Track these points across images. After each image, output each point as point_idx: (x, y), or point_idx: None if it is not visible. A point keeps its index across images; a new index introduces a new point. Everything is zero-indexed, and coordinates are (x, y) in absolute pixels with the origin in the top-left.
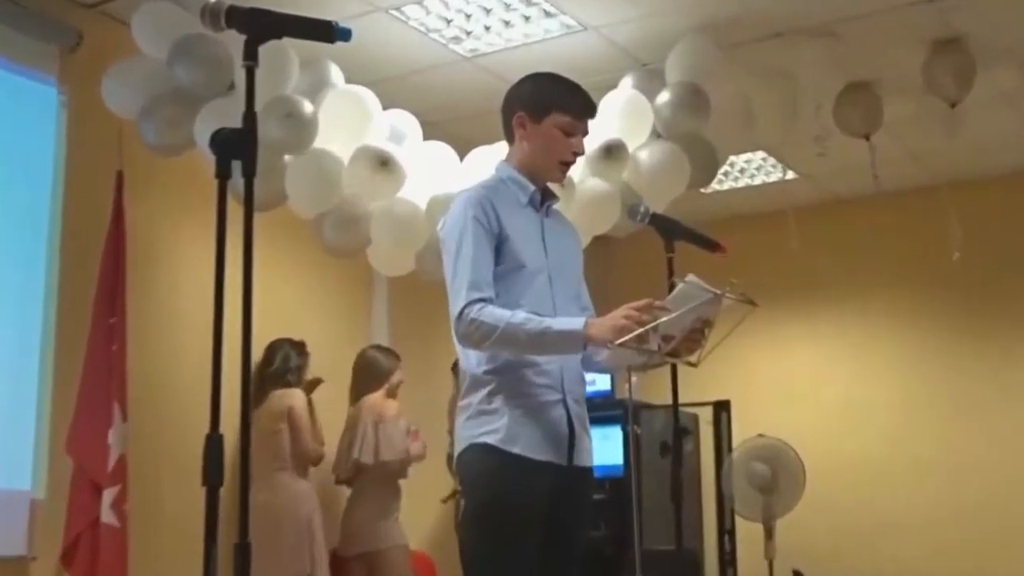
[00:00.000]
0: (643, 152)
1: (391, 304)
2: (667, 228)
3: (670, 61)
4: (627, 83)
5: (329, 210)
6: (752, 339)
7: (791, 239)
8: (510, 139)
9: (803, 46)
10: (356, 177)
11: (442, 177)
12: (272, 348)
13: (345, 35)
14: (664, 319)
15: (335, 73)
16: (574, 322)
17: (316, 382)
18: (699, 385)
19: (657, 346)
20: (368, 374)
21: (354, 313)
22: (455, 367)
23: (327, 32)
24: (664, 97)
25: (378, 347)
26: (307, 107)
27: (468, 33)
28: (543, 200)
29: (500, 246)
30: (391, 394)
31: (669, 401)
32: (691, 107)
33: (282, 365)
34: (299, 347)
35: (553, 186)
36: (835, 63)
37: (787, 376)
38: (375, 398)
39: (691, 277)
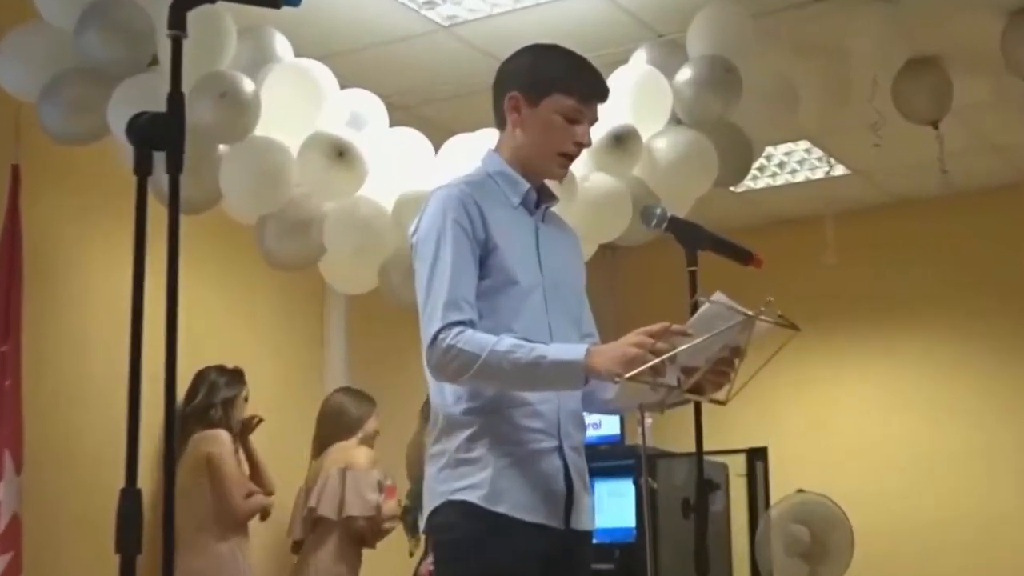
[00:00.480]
0: (660, 141)
1: (349, 329)
2: (689, 235)
3: (693, 31)
4: (640, 57)
5: (274, 212)
6: (792, 372)
7: (826, 251)
8: (501, 125)
9: (855, 13)
10: (307, 171)
11: (413, 171)
12: (198, 378)
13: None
14: (685, 347)
15: (281, 45)
16: (573, 350)
17: (251, 421)
18: (728, 429)
19: (676, 380)
20: (335, 424)
21: (304, 340)
22: (425, 408)
23: None
24: (686, 74)
25: (347, 390)
26: (246, 86)
27: None
28: (539, 201)
29: (486, 257)
30: (366, 443)
31: (692, 448)
32: (719, 87)
33: (205, 399)
34: (231, 376)
35: (552, 184)
36: (894, 33)
37: (834, 418)
38: (345, 444)
39: (718, 295)
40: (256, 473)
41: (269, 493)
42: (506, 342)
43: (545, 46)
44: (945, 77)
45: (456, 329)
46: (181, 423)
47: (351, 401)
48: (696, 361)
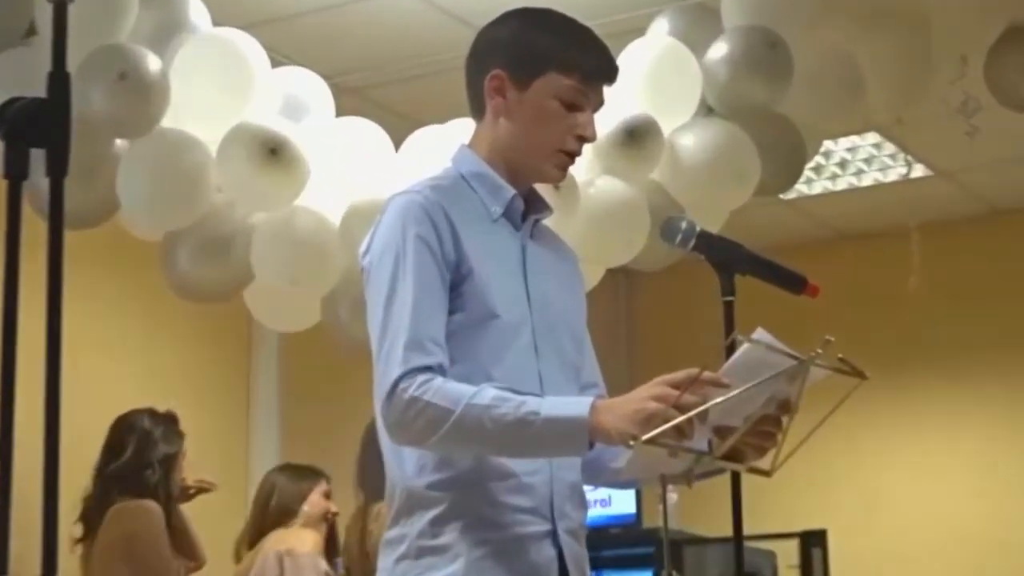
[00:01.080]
0: (686, 136)
1: (283, 377)
2: (724, 255)
3: None
4: (661, 27)
5: (186, 227)
6: (858, 434)
7: (910, 274)
8: (478, 112)
9: None
10: (230, 174)
11: (367, 173)
12: (123, 428)
13: None
14: (719, 400)
15: (196, 11)
16: (575, 405)
17: (197, 489)
18: (776, 507)
19: (708, 444)
20: (267, 509)
21: (224, 391)
22: (362, 478)
23: None
24: (720, 50)
25: (284, 468)
26: (151, 64)
27: None
28: (527, 212)
29: (458, 284)
30: (311, 525)
31: (729, 532)
32: (762, 66)
33: (137, 457)
34: (167, 425)
35: (544, 190)
36: None
37: (913, 495)
38: (284, 531)
39: (760, 333)
40: (184, 541)
41: (200, 565)
42: (487, 394)
43: (536, 11)
44: None
45: (421, 377)
46: (100, 488)
47: (287, 480)
48: (733, 419)
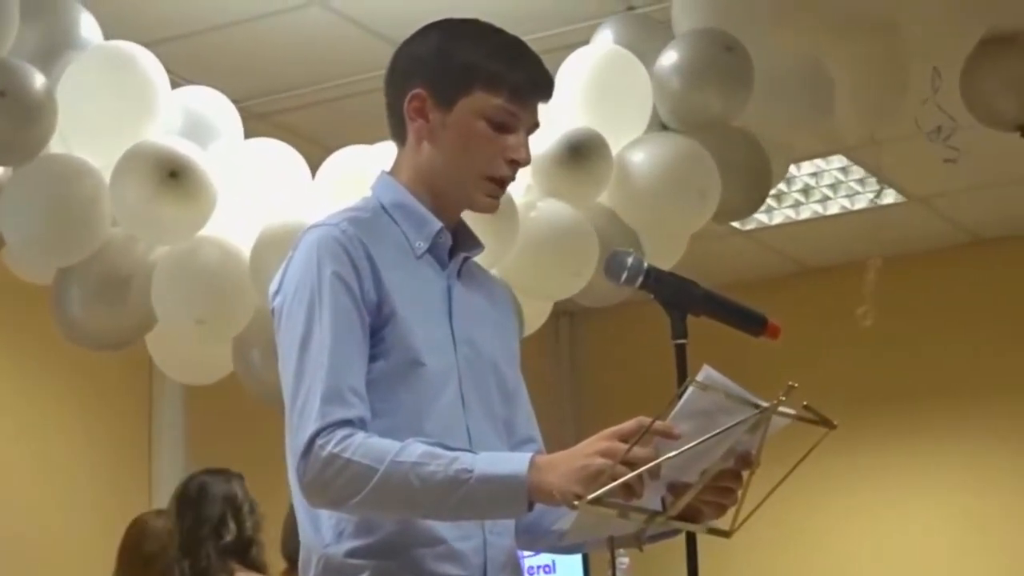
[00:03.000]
0: (637, 153)
1: (188, 436)
2: (675, 294)
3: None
4: (606, 35)
5: (79, 263)
6: (828, 488)
7: (864, 310)
8: (399, 136)
9: None
10: (125, 202)
11: (280, 199)
12: (215, 495)
13: None
14: (672, 454)
15: (87, 25)
16: (512, 461)
17: None
18: (738, 571)
19: (661, 503)
20: (145, 559)
21: (122, 448)
22: (287, 543)
23: None
24: (671, 57)
25: (156, 512)
26: (36, 81)
27: None
28: (455, 248)
29: (379, 327)
30: None
31: None
32: (719, 72)
33: (241, 533)
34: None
35: (478, 216)
36: (963, 2)
37: (889, 553)
38: None
39: (707, 373)
40: None
41: None
42: (414, 450)
43: (461, 22)
44: None
45: (341, 432)
46: (216, 557)
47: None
48: (688, 475)
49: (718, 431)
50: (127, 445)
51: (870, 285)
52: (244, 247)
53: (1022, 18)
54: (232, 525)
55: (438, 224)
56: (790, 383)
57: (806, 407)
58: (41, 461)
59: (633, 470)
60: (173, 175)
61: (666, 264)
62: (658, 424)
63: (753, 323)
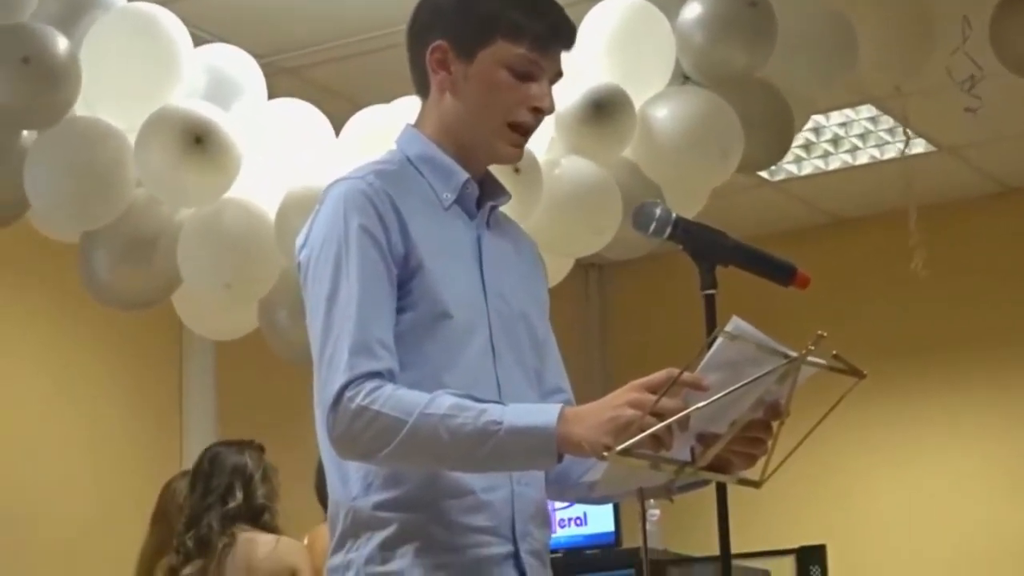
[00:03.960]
0: (660, 108)
1: (219, 388)
2: (704, 244)
3: None
4: None
5: (105, 227)
6: (859, 439)
7: (914, 259)
8: (422, 90)
9: None
10: (151, 166)
11: (304, 160)
12: (223, 465)
13: None
14: (701, 405)
15: None
16: (541, 413)
17: None
18: (769, 522)
19: (690, 453)
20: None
21: (154, 405)
22: (320, 494)
23: None
24: (695, 10)
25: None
26: (59, 45)
27: None
28: (482, 198)
29: (406, 280)
30: None
31: (716, 551)
32: (742, 27)
33: (249, 501)
34: (260, 456)
35: (503, 174)
36: None
37: (923, 504)
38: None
39: (736, 323)
40: None
41: None
42: (443, 402)
43: None
44: None
45: (370, 384)
46: (219, 521)
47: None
48: (718, 425)
49: (747, 380)
50: (159, 401)
51: (916, 235)
52: (269, 209)
53: None
54: (239, 493)
55: (465, 175)
56: (819, 332)
57: (836, 356)
58: (75, 418)
59: (662, 421)
60: (198, 140)
61: (687, 216)
62: (687, 375)
63: (782, 273)
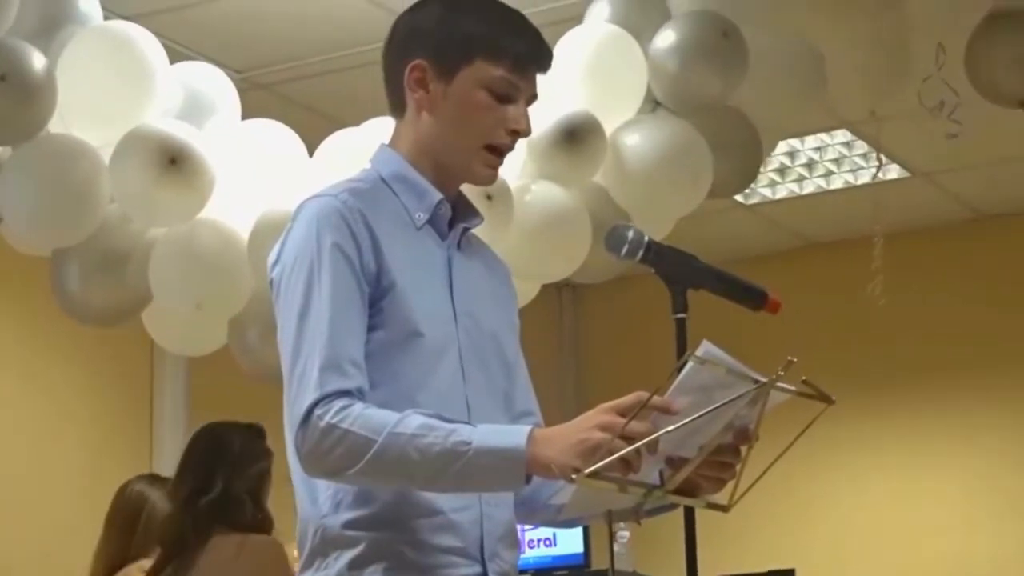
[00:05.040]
0: (631, 136)
1: (190, 407)
2: (676, 268)
3: None
4: (601, 12)
5: (78, 243)
6: (827, 463)
7: (873, 284)
8: (398, 108)
9: None
10: (125, 184)
11: (278, 182)
12: (207, 447)
13: None
14: (670, 428)
15: (86, 1)
16: (511, 434)
17: None
18: (737, 545)
19: (659, 477)
20: (132, 530)
21: (125, 419)
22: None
23: None
24: (668, 38)
25: (154, 478)
26: (35, 62)
27: None
28: (454, 219)
29: (378, 299)
30: None
31: (684, 573)
32: (715, 56)
33: (226, 490)
34: (254, 440)
35: (474, 199)
36: None
37: (891, 526)
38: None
39: (706, 348)
40: None
41: None
42: (413, 421)
43: None
44: None
45: (340, 402)
46: (191, 519)
47: (161, 495)
48: (687, 449)
49: (716, 405)
50: (130, 414)
51: (878, 260)
52: (242, 229)
53: None
54: (219, 483)
55: (438, 195)
56: (789, 358)
57: (805, 382)
58: (44, 430)
59: (631, 444)
60: (172, 161)
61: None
62: (656, 399)
63: (753, 298)
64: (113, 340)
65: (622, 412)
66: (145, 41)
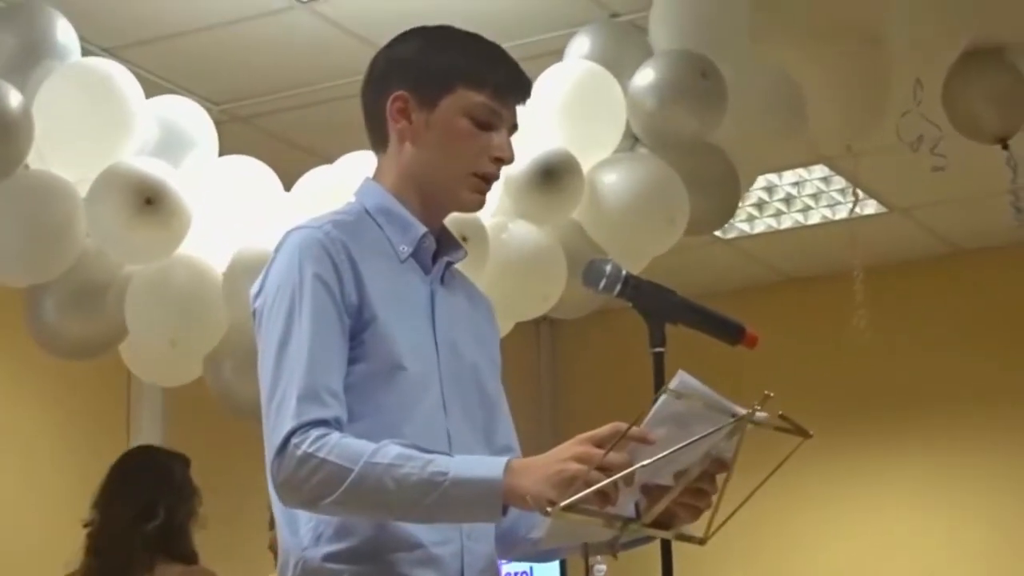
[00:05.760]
0: (608, 174)
1: (168, 435)
2: (653, 302)
3: (657, 11)
4: (580, 47)
5: (55, 278)
6: (808, 495)
7: (856, 318)
8: (380, 142)
9: None
10: (100, 224)
11: (253, 218)
12: (148, 474)
13: None
14: (646, 463)
15: (63, 31)
16: (488, 465)
17: None
18: None
19: (634, 509)
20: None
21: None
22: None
23: None
24: (647, 76)
25: None
26: (11, 98)
27: None
28: (438, 253)
29: (359, 331)
30: None
31: None
32: (694, 95)
33: (169, 520)
34: (186, 469)
35: (457, 225)
36: (945, 13)
37: (873, 563)
38: None
39: (681, 379)
40: None
41: None
42: (390, 451)
43: (438, 27)
44: (1017, 76)
45: (317, 431)
46: (135, 548)
47: None
48: (662, 476)
49: (693, 439)
50: (105, 446)
51: (860, 294)
52: (217, 266)
53: (1005, 31)
54: (161, 511)
55: (422, 228)
56: (766, 392)
57: (782, 416)
58: (19, 464)
59: (608, 476)
60: (149, 202)
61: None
62: (634, 430)
63: (731, 332)
64: (88, 368)
65: (599, 443)
66: (122, 77)
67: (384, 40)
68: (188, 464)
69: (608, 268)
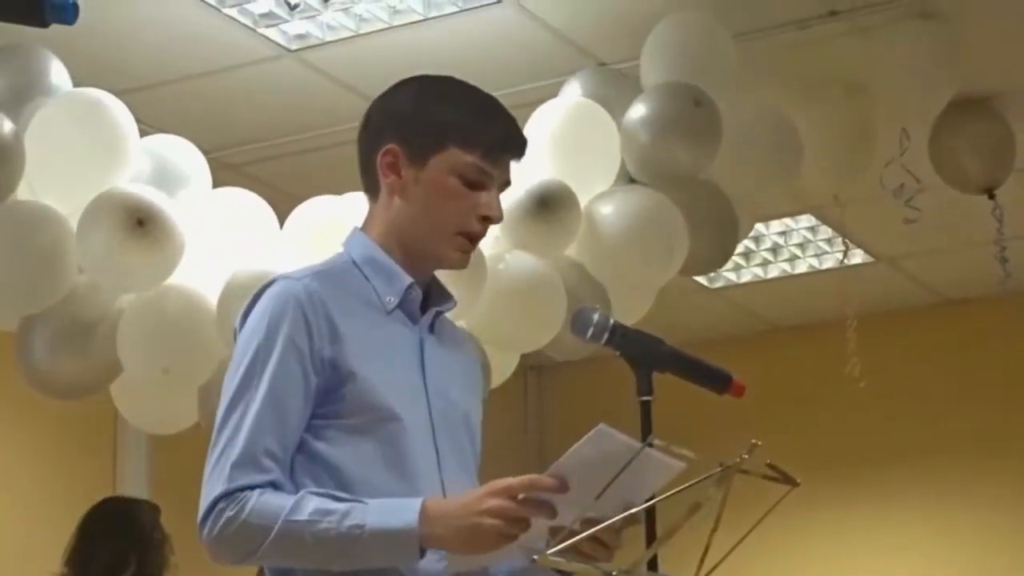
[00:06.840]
0: (605, 206)
1: (153, 488)
2: (641, 351)
3: (649, 51)
4: (575, 88)
5: (44, 311)
6: (791, 544)
7: (849, 366)
8: (371, 191)
9: (877, 35)
10: (92, 249)
11: (247, 248)
12: (120, 525)
13: (66, 13)
14: (571, 521)
15: (56, 72)
16: (403, 512)
17: None
18: None
19: (545, 541)
20: None
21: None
22: None
23: (32, 5)
24: (640, 110)
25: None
26: (4, 127)
27: (293, 7)
28: (427, 303)
29: (337, 386)
30: None
31: None
32: (688, 126)
33: (143, 571)
34: (157, 518)
35: (442, 273)
36: (933, 63)
37: None
38: None
39: (603, 431)
40: None
41: None
42: (307, 506)
43: (434, 79)
44: (1004, 126)
45: (242, 496)
46: None
47: None
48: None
49: (681, 487)
50: (91, 493)
51: (852, 343)
52: (211, 296)
53: (992, 82)
54: (132, 562)
55: (408, 280)
56: (753, 441)
57: (770, 465)
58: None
59: (522, 527)
60: (141, 223)
61: (633, 318)
62: (549, 481)
63: (718, 381)
64: (75, 417)
65: (514, 495)
66: (116, 108)
67: (373, 89)
68: (158, 511)
69: (596, 317)
